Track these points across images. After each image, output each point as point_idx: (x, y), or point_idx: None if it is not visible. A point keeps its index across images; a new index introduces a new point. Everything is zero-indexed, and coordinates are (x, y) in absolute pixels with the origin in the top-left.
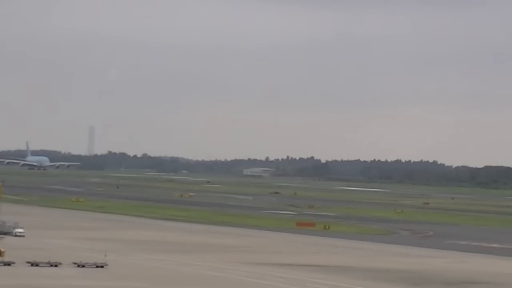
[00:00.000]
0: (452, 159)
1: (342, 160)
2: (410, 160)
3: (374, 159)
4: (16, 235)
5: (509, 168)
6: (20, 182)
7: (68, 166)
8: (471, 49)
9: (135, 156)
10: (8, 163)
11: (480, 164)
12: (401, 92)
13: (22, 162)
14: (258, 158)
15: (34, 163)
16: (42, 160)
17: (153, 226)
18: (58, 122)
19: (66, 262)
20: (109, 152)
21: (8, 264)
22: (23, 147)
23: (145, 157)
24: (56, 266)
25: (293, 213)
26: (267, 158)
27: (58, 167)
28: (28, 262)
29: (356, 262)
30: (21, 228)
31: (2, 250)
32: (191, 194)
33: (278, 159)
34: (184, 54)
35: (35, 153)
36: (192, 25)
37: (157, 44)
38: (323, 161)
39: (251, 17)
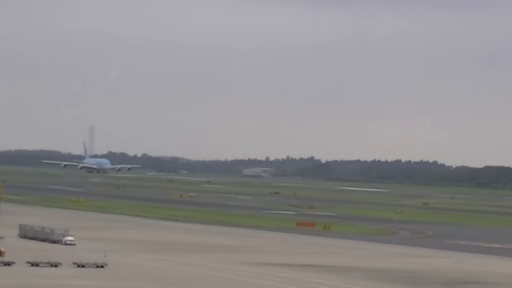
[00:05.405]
0: (452, 159)
1: (342, 160)
2: (410, 160)
3: (374, 159)
4: (66, 244)
5: (509, 168)
6: (20, 182)
7: (129, 169)
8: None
9: (135, 156)
10: (65, 165)
11: (480, 164)
12: (402, 92)
13: (81, 165)
14: (258, 158)
15: (94, 166)
16: (103, 162)
17: (153, 226)
18: (58, 122)
19: (66, 262)
20: (109, 152)
21: (8, 264)
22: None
23: (145, 157)
24: (56, 266)
25: (293, 213)
26: (267, 158)
27: (119, 169)
28: (28, 262)
29: (356, 262)
30: (71, 236)
31: (2, 250)
32: (191, 194)
33: (278, 159)
34: (184, 53)
35: (35, 153)
36: (192, 25)
37: (157, 43)
38: (323, 161)
39: (252, 17)
